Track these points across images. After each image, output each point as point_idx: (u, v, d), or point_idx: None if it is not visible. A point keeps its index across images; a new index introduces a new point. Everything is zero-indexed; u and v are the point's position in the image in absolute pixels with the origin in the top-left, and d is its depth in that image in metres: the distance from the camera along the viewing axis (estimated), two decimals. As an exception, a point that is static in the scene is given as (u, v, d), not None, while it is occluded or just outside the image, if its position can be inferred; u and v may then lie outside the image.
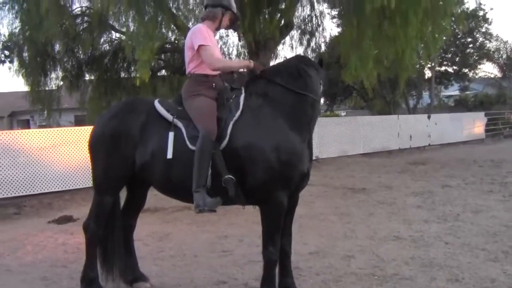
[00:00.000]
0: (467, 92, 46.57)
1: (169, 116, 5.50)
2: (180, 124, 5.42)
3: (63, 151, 13.93)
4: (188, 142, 5.29)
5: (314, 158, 19.20)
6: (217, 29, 5.95)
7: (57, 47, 19.23)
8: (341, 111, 50.76)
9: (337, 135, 21.99)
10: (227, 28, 6.19)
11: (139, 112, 5.65)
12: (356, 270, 6.67)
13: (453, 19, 17.58)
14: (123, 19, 15.52)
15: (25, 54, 18.84)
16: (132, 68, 21.62)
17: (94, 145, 5.82)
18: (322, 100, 36.88)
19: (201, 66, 5.59)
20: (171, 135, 5.34)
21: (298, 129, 5.28)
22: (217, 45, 5.88)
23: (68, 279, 6.59)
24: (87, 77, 22.13)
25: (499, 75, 49.19)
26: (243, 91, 5.50)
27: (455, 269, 6.58)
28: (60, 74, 20.92)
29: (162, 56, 21.79)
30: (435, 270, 6.59)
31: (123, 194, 6.19)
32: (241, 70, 5.80)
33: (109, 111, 6.16)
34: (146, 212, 10.60)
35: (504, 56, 48.31)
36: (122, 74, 22.39)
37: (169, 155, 5.28)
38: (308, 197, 12.21)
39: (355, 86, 34.89)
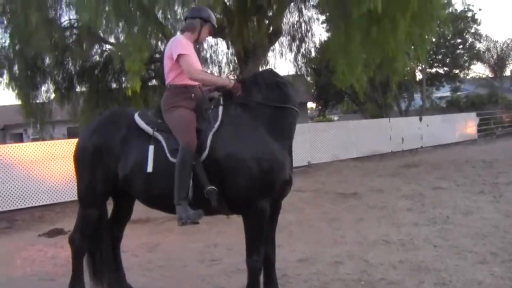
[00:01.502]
0: (459, 93, 46.66)
1: (149, 129, 5.52)
2: (160, 137, 5.44)
3: (55, 164, 13.96)
4: (168, 155, 5.31)
5: (306, 163, 19.28)
6: (196, 40, 5.96)
7: (47, 60, 19.28)
8: (333, 115, 50.82)
9: (328, 140, 22.01)
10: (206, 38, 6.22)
11: (120, 126, 5.68)
12: (343, 276, 6.69)
13: (439, 22, 17.69)
14: (112, 31, 15.59)
15: (15, 68, 18.84)
16: (123, 78, 21.67)
17: (78, 159, 5.88)
18: (313, 105, 37.04)
19: (180, 76, 5.61)
20: (151, 148, 5.36)
21: (278, 137, 5.31)
22: (196, 56, 5.88)
23: (57, 293, 6.61)
24: (78, 88, 22.15)
25: (490, 75, 49.38)
26: (221, 101, 5.51)
27: (443, 272, 6.60)
28: (51, 86, 20.97)
29: (152, 66, 21.82)
30: (422, 273, 6.61)
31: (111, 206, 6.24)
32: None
33: (91, 125, 6.19)
34: (137, 223, 10.65)
35: (495, 56, 48.47)
36: (113, 85, 22.44)
37: (149, 168, 5.31)
38: (298, 203, 12.26)
39: (347, 91, 34.96)
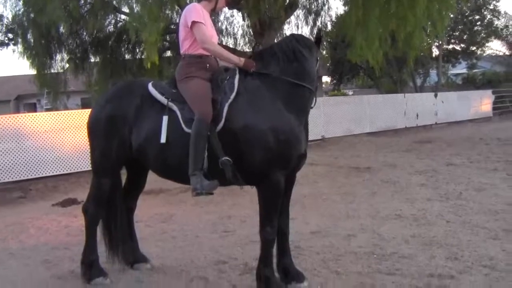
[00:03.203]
0: (475, 70, 46.27)
1: (163, 100, 5.49)
2: (175, 107, 5.40)
3: (69, 134, 14.01)
4: (183, 126, 5.27)
5: (320, 137, 19.26)
6: (213, 10, 5.86)
7: (62, 29, 19.17)
8: (348, 90, 50.54)
9: (343, 114, 21.94)
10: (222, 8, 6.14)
11: (134, 96, 5.66)
12: (356, 249, 6.71)
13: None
14: (127, 1, 15.52)
15: (29, 37, 18.76)
16: (137, 50, 21.59)
17: (92, 128, 5.89)
18: (328, 79, 36.80)
19: (195, 45, 5.54)
20: (164, 119, 5.34)
21: (295, 111, 5.26)
22: (212, 26, 5.81)
23: (70, 262, 6.65)
24: (92, 59, 22.09)
25: (507, 52, 48.81)
26: (237, 71, 5.45)
27: (455, 247, 6.59)
28: (65, 56, 20.88)
29: (167, 37, 21.71)
30: (434, 248, 6.60)
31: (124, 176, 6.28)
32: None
33: (105, 95, 6.20)
34: (150, 194, 10.73)
35: (513, 33, 47.85)
36: (127, 56, 22.35)
37: (163, 139, 5.29)
38: (312, 177, 12.27)
39: (362, 65, 34.74)
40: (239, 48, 21.87)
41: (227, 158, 5.15)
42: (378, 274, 5.75)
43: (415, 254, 6.40)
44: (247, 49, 21.94)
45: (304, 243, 7.02)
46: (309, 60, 5.40)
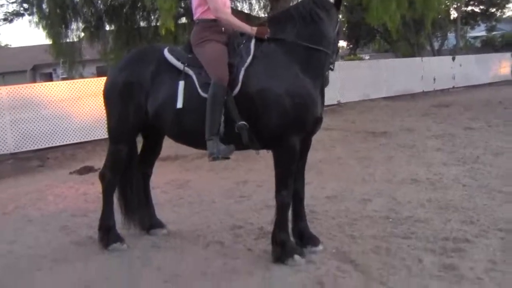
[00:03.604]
0: (494, 33, 45.65)
1: (179, 65, 5.47)
2: (191, 72, 5.38)
3: (85, 103, 14.06)
4: (200, 90, 5.26)
5: (336, 102, 19.17)
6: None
7: (76, -3, 19.15)
8: (365, 54, 50.11)
9: (359, 79, 21.73)
10: None
11: (150, 61, 5.64)
12: (371, 213, 6.72)
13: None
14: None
15: (44, 6, 18.73)
16: (152, 17, 21.49)
17: (108, 95, 5.89)
18: (344, 44, 36.33)
19: (209, 11, 5.48)
20: (181, 84, 5.33)
21: (312, 75, 5.21)
22: None
23: (87, 228, 6.72)
24: (107, 27, 22.05)
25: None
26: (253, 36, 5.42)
27: (471, 211, 6.57)
28: (81, 25, 20.85)
29: (182, 4, 21.57)
30: (450, 212, 6.59)
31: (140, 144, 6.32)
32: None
33: (121, 61, 6.24)
34: (166, 160, 10.79)
35: (533, -6, 47.03)
36: (142, 24, 22.25)
37: (179, 104, 5.28)
38: (328, 142, 12.26)
39: (379, 29, 34.41)
40: (254, 13, 21.67)
41: (243, 122, 5.15)
42: (393, 238, 5.76)
43: (430, 218, 6.39)
44: (262, 14, 21.74)
45: (319, 207, 7.04)
46: (326, 23, 5.32)
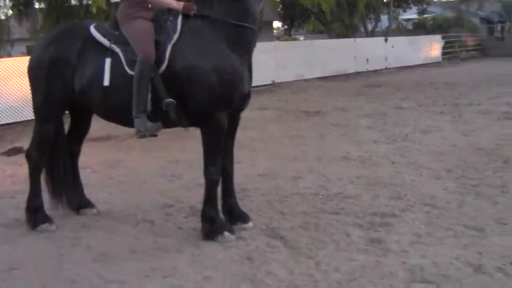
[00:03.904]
0: (426, 15, 46.63)
1: (106, 42, 5.37)
2: (117, 49, 5.29)
3: (14, 82, 13.59)
4: (126, 67, 5.19)
5: (270, 82, 19.19)
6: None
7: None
8: (299, 35, 50.36)
9: (293, 59, 21.69)
10: None
11: (76, 38, 5.51)
12: (302, 190, 6.80)
13: None
14: None
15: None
16: (84, -6, 21.05)
17: (33, 72, 5.73)
18: (279, 24, 36.46)
19: None
20: (107, 61, 5.23)
21: (238, 51, 5.21)
22: None
23: (15, 210, 6.49)
24: (37, 5, 21.48)
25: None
26: (180, 12, 5.35)
27: (399, 187, 6.75)
28: (8, 2, 20.28)
29: (114, -18, 21.22)
30: (379, 188, 6.75)
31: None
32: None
33: (46, 37, 6.06)
34: (98, 140, 10.60)
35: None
36: (74, 1, 21.77)
37: (106, 82, 5.19)
38: (261, 121, 12.29)
39: (313, 10, 34.61)
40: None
41: (171, 99, 5.11)
42: (323, 214, 5.85)
43: (359, 194, 6.54)
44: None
45: (251, 185, 7.07)
46: (251, 0, 5.31)
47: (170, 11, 5.38)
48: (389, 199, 6.27)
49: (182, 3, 5.30)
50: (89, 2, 18.00)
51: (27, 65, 5.85)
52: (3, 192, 7.52)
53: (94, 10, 15.45)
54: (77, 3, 21.27)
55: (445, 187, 6.70)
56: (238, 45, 5.22)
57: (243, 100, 5.37)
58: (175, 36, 5.19)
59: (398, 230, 5.29)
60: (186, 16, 5.27)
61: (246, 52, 5.32)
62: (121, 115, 5.38)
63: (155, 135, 5.30)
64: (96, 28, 5.52)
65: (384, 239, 5.05)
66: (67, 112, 6.05)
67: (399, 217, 5.64)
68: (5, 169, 9.02)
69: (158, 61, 5.13)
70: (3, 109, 13.31)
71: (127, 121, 5.32)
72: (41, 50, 5.71)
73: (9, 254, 5.21)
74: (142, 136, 5.23)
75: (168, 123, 5.30)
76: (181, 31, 5.22)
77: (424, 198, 6.25)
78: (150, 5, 5.42)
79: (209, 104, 5.08)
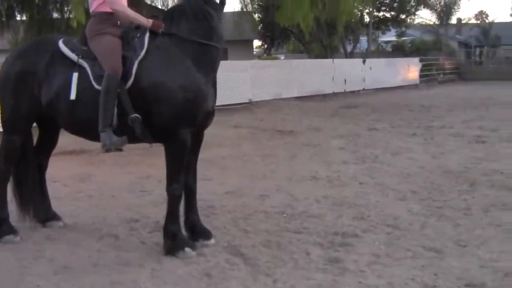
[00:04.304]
0: (404, 38, 47.16)
1: (73, 56, 5.45)
2: (85, 64, 5.36)
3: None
4: (93, 82, 5.26)
5: (247, 100, 19.26)
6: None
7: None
8: (280, 55, 50.67)
9: (271, 78, 21.76)
10: None
11: (44, 52, 5.59)
12: (268, 208, 6.87)
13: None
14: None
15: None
16: (66, 8, 21.06)
17: (1, 85, 5.81)
18: (259, 43, 36.61)
19: (104, 5, 5.48)
20: (75, 75, 5.30)
21: (203, 69, 5.31)
22: None
23: (-19, 221, 6.55)
24: (18, 17, 21.48)
25: (436, 22, 49.92)
26: (147, 29, 5.44)
27: (363, 207, 6.85)
28: (-11, 14, 20.25)
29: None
30: (344, 208, 6.84)
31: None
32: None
33: (15, 51, 6.17)
34: (71, 154, 10.63)
35: (442, 3, 48.94)
36: (56, 15, 21.80)
37: (72, 96, 5.26)
38: (235, 139, 12.39)
39: (293, 30, 34.87)
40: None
41: (136, 115, 5.18)
42: (286, 232, 5.92)
43: (324, 213, 6.62)
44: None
45: (217, 202, 7.13)
46: (216, 20, 5.42)
47: (138, 28, 5.49)
48: (352, 219, 6.36)
49: (151, 20, 5.40)
50: (70, 16, 18.03)
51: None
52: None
53: (74, 24, 15.45)
54: (58, 16, 21.33)
55: (409, 208, 6.81)
56: (204, 63, 5.32)
57: (207, 117, 5.47)
58: (142, 53, 5.28)
59: (358, 250, 5.37)
60: (153, 34, 5.37)
61: (211, 70, 5.43)
62: (87, 129, 5.44)
63: (121, 149, 5.36)
64: (65, 42, 5.60)
65: (343, 258, 5.12)
66: (35, 125, 6.09)
67: (360, 237, 5.73)
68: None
69: (125, 76, 5.21)
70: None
71: (93, 135, 5.39)
72: (10, 64, 5.78)
73: (-30, 265, 5.22)
74: (107, 150, 5.29)
75: (134, 138, 5.36)
76: (148, 48, 5.31)
77: (387, 219, 6.34)
78: (119, 22, 5.52)
79: (173, 121, 5.16)
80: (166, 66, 5.24)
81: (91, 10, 5.66)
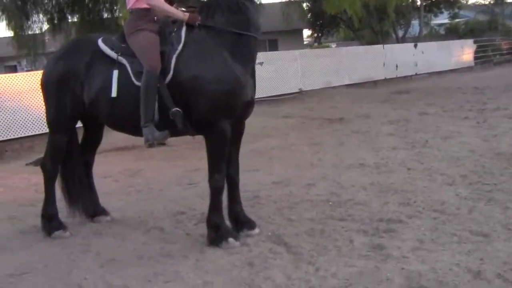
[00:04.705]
0: (458, 20, 46.13)
1: (113, 54, 5.55)
2: (124, 61, 5.46)
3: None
4: (133, 79, 5.36)
5: (297, 90, 19.24)
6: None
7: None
8: (331, 43, 50.28)
9: (321, 66, 21.72)
10: None
11: (84, 52, 5.72)
12: (313, 197, 6.86)
13: None
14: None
15: (5, -1, 18.62)
16: (115, 8, 21.41)
17: (44, 87, 5.99)
18: (309, 32, 36.54)
19: (141, 0, 5.55)
20: (115, 73, 5.41)
21: (241, 60, 5.34)
22: None
23: (34, 217, 6.69)
24: (70, 19, 21.93)
25: (491, 1, 48.64)
26: (184, 23, 5.48)
27: (410, 193, 6.74)
28: (42, 17, 20.72)
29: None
30: (390, 194, 6.75)
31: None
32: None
33: (56, 53, 6.31)
34: (123, 150, 10.86)
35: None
36: (105, 15, 22.18)
37: (113, 93, 5.38)
38: (283, 129, 12.42)
39: (342, 17, 34.57)
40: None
41: (177, 109, 5.25)
42: (330, 220, 5.90)
43: (370, 200, 6.56)
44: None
45: (264, 192, 7.16)
46: (252, 10, 5.44)
47: (175, 23, 5.55)
48: (398, 205, 6.28)
49: (187, 14, 5.45)
50: (120, 15, 18.34)
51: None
52: (25, 200, 7.80)
53: (123, 23, 15.70)
54: (108, 16, 21.69)
55: (457, 192, 6.65)
56: (241, 54, 5.36)
57: (246, 108, 5.50)
58: (179, 47, 5.34)
59: (402, 236, 5.29)
60: (190, 27, 5.43)
61: (249, 60, 5.46)
62: (129, 125, 5.55)
63: (163, 144, 5.48)
64: (104, 41, 5.71)
65: (386, 245, 5.06)
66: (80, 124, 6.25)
67: (405, 223, 5.64)
68: (31, 178, 9.28)
69: (164, 71, 5.29)
70: (34, 120, 13.56)
71: (135, 131, 5.50)
72: (52, 65, 5.96)
73: (23, 259, 5.42)
74: (150, 145, 5.40)
75: (175, 132, 5.45)
76: (185, 41, 5.37)
77: (434, 204, 6.23)
78: (155, 18, 5.58)
79: (212, 113, 5.21)
80: (203, 58, 5.29)
81: (128, 7, 5.74)
